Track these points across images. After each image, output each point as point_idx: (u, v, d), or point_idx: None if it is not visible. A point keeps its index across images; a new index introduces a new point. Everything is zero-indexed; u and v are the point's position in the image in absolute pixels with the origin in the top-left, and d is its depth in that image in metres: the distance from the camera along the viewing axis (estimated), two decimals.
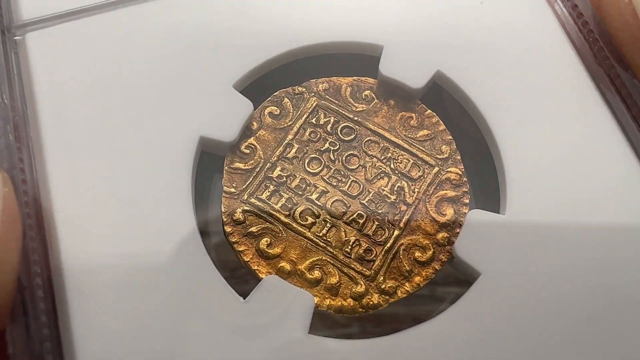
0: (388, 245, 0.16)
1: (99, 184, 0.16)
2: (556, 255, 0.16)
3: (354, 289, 0.16)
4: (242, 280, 0.16)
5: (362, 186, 0.17)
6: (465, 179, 0.17)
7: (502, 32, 0.18)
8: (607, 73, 0.17)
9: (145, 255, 0.15)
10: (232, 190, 0.17)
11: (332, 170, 0.17)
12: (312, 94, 0.18)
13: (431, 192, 0.17)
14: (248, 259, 0.16)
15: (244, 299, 0.15)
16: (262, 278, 0.16)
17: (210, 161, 0.17)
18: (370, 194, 0.17)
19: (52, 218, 0.16)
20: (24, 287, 0.15)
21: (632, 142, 0.17)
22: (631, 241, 0.16)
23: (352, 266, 0.16)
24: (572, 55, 0.18)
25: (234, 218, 0.16)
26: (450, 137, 0.18)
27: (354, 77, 0.18)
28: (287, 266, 0.16)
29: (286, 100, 0.18)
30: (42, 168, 0.16)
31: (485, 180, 0.18)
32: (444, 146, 0.18)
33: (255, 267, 0.16)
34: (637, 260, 0.16)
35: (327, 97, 0.18)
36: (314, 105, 0.18)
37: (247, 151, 0.17)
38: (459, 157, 0.17)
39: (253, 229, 0.16)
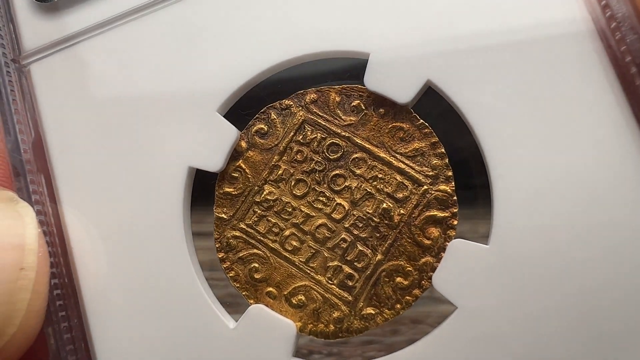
0: (368, 271, 0.17)
1: (106, 212, 0.18)
2: (539, 294, 0.15)
3: (334, 315, 0.17)
4: (232, 305, 0.17)
5: (346, 209, 0.17)
6: (455, 197, 0.17)
7: (499, 39, 0.16)
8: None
9: (145, 285, 0.17)
10: (223, 216, 0.18)
11: (317, 193, 0.17)
12: (300, 108, 0.18)
13: (417, 213, 0.17)
14: (238, 285, 0.17)
15: (235, 322, 0.17)
16: (251, 304, 0.17)
17: (206, 177, 0.18)
18: (355, 217, 0.17)
19: (69, 244, 0.18)
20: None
21: None
22: (622, 281, 0.15)
23: (334, 292, 0.17)
24: (582, 67, 0.15)
25: (225, 244, 0.17)
26: (443, 150, 0.17)
27: (344, 86, 0.17)
28: (274, 291, 0.17)
29: (273, 116, 0.18)
30: (57, 198, 0.18)
31: (478, 197, 0.17)
32: (435, 160, 0.17)
33: (244, 293, 0.17)
34: (625, 300, 0.15)
35: (314, 110, 0.17)
36: (300, 120, 0.17)
37: (236, 174, 0.18)
38: (450, 174, 0.17)
39: (242, 254, 0.17)
